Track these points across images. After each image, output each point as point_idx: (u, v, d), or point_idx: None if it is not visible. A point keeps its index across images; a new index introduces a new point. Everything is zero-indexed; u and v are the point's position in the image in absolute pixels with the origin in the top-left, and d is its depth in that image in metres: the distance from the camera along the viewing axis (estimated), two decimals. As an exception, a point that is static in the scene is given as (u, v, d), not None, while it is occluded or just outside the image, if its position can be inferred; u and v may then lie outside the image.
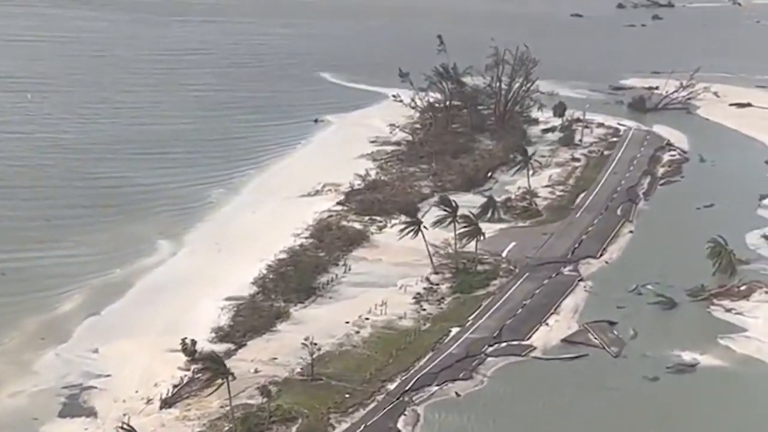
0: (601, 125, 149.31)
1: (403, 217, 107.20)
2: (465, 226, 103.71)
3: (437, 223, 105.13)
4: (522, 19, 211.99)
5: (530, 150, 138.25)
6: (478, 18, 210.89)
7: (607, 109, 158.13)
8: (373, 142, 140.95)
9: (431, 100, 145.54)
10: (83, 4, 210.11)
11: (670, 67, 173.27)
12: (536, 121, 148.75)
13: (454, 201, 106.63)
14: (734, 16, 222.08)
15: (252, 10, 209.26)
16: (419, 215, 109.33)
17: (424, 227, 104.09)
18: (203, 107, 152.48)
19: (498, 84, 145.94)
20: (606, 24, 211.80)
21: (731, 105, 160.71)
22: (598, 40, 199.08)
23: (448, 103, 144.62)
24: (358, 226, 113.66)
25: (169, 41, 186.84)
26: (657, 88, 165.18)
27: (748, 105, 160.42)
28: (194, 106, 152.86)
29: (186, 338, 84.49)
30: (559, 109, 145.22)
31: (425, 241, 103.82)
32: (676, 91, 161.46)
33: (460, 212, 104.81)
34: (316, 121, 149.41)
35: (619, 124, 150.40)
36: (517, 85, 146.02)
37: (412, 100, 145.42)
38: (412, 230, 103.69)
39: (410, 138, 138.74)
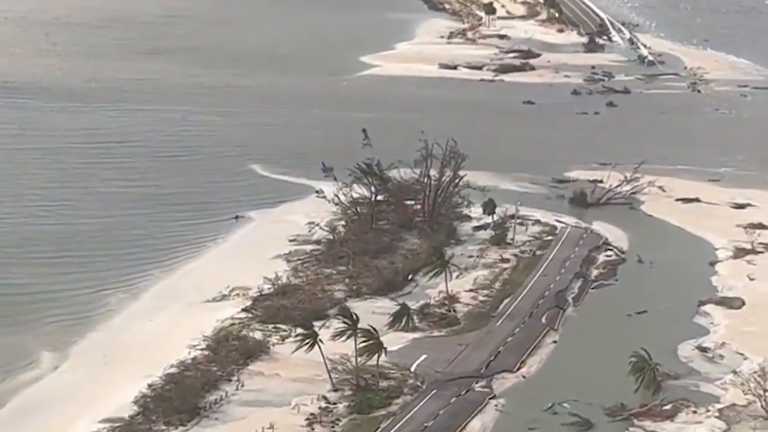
0: (537, 222, 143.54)
1: (299, 329, 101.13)
2: (365, 341, 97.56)
3: (336, 336, 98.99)
4: (471, 106, 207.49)
5: (458, 250, 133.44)
6: (424, 105, 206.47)
7: (546, 204, 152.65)
8: (292, 240, 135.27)
9: (356, 195, 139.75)
10: (5, 91, 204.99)
11: (618, 158, 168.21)
12: (469, 218, 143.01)
13: (354, 314, 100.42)
14: (693, 103, 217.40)
15: (188, 98, 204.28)
16: (327, 322, 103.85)
17: (320, 341, 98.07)
18: (121, 204, 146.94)
19: (426, 179, 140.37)
20: (558, 111, 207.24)
21: (678, 200, 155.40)
22: (548, 129, 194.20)
23: (373, 199, 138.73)
24: (259, 335, 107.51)
25: (97, 131, 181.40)
26: (601, 181, 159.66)
27: (696, 200, 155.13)
28: (111, 203, 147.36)
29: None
30: (489, 207, 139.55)
31: (323, 355, 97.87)
32: (619, 185, 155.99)
33: (374, 321, 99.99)
34: (236, 217, 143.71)
35: (556, 220, 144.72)
36: (446, 180, 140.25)
37: (336, 195, 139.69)
38: (307, 344, 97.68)
39: (330, 237, 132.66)
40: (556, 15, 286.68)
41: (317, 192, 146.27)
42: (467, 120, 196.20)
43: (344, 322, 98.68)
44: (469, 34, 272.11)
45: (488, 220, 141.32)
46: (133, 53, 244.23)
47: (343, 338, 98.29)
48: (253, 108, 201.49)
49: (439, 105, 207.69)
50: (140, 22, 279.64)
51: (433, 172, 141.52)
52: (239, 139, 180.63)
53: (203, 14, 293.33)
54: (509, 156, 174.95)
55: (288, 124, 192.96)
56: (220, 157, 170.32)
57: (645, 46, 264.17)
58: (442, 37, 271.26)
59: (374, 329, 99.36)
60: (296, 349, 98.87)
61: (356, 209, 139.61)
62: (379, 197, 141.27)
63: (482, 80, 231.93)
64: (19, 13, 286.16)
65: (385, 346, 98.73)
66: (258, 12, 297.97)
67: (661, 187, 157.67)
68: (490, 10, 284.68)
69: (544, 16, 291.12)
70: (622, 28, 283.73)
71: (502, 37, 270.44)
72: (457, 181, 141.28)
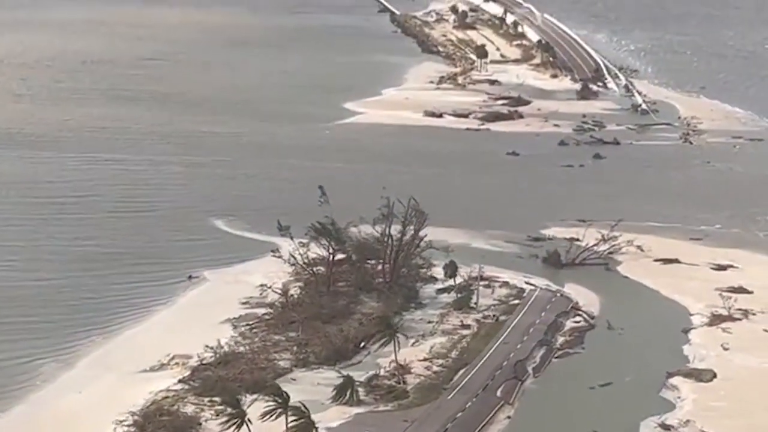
0: (505, 284, 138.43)
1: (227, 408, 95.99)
2: (296, 420, 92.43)
3: (265, 415, 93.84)
4: (453, 157, 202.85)
5: (418, 314, 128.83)
6: (404, 156, 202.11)
7: (518, 265, 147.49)
8: (244, 303, 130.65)
9: (313, 255, 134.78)
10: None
11: (599, 214, 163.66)
12: (434, 279, 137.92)
13: (285, 392, 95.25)
14: (683, 156, 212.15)
15: (157, 147, 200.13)
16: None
17: (249, 421, 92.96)
18: (71, 263, 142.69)
19: (388, 238, 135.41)
20: (542, 164, 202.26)
21: (656, 261, 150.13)
22: (529, 182, 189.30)
23: (330, 259, 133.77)
24: (192, 410, 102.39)
25: (55, 184, 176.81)
26: (578, 239, 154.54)
27: (676, 261, 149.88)
28: (61, 263, 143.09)
29: None
30: (450, 269, 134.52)
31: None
32: (596, 244, 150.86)
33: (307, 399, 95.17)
34: (190, 277, 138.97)
35: (526, 282, 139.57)
36: (407, 239, 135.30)
37: (291, 255, 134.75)
38: (234, 424, 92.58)
39: (283, 300, 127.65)
40: (551, 59, 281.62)
41: (272, 252, 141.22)
42: (446, 172, 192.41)
43: (274, 401, 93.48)
44: (460, 79, 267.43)
45: (453, 282, 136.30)
46: (107, 98, 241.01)
47: (273, 418, 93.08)
48: (224, 157, 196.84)
49: (420, 156, 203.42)
50: (122, 64, 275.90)
51: (394, 232, 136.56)
52: (205, 192, 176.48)
53: (188, 57, 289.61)
54: (486, 211, 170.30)
55: (259, 175, 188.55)
56: (182, 212, 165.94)
57: (640, 93, 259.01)
58: (431, 82, 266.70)
59: (306, 408, 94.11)
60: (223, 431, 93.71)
61: (313, 270, 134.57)
62: (339, 257, 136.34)
63: (468, 129, 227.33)
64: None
65: (316, 425, 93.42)
66: (246, 55, 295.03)
67: (639, 247, 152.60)
68: (482, 53, 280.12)
69: (538, 60, 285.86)
70: (619, 73, 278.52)
71: (492, 82, 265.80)
72: (417, 241, 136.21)
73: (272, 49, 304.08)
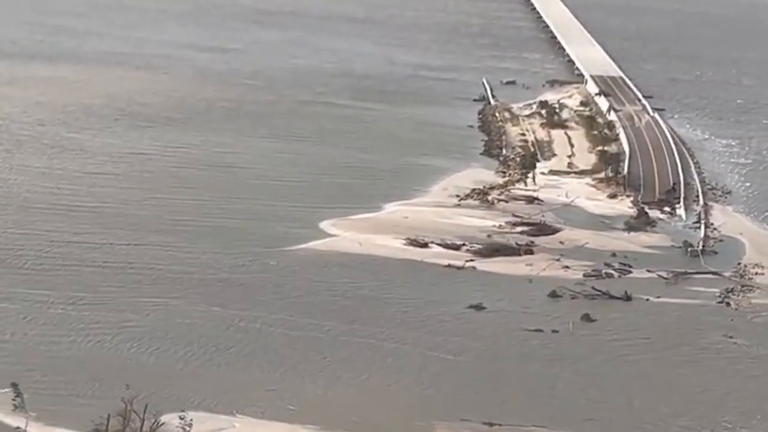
0: None
1: None
2: None
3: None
4: (382, 311, 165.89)
5: None
6: (335, 307, 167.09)
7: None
8: None
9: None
10: None
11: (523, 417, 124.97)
12: None
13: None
14: (702, 323, 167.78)
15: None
16: None
17: None
18: None
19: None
20: (501, 326, 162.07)
21: None
22: (450, 359, 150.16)
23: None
24: None
25: None
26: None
27: None
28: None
29: None
30: None
31: None
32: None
33: None
34: None
35: None
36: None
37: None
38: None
39: None
40: (615, 174, 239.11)
41: None
42: (342, 340, 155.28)
43: None
44: (494, 194, 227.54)
45: None
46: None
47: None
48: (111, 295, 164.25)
49: (342, 303, 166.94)
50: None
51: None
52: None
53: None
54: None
55: (148, 333, 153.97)
56: None
57: (709, 225, 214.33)
58: (457, 196, 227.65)
59: None
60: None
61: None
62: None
63: (449, 266, 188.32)
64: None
65: None
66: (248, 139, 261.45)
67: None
68: (530, 164, 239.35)
69: (604, 173, 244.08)
70: (701, 196, 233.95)
71: (532, 200, 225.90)
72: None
73: (283, 140, 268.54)
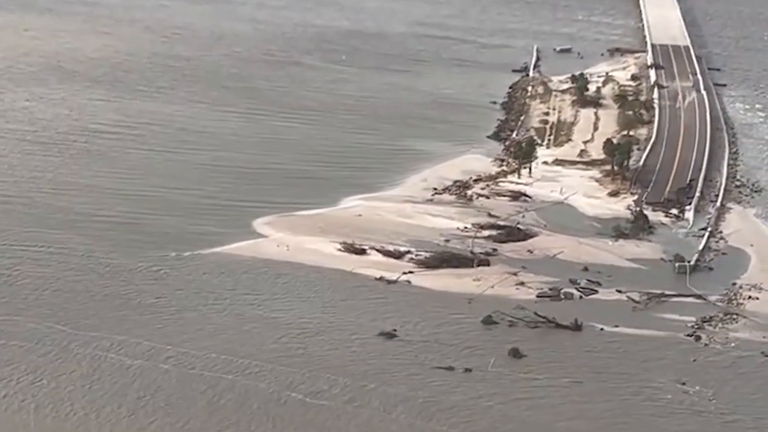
0: None
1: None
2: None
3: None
4: (287, 342, 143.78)
5: None
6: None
7: None
8: None
9: None
10: None
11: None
12: None
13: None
14: (650, 366, 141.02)
15: None
16: None
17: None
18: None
19: None
20: (409, 361, 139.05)
21: None
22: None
23: None
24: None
25: None
26: None
27: None
28: None
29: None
30: None
31: None
32: None
33: None
34: None
35: None
36: None
37: None
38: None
39: None
40: (620, 167, 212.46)
41: None
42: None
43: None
44: (477, 188, 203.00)
45: None
46: None
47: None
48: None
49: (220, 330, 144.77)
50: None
51: None
52: None
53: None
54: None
55: None
56: None
57: (715, 233, 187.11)
58: (434, 189, 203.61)
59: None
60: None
61: None
62: None
63: (380, 279, 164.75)
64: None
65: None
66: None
67: None
68: (526, 152, 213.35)
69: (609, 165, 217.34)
70: (721, 195, 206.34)
71: (518, 196, 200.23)
72: None
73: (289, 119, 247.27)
